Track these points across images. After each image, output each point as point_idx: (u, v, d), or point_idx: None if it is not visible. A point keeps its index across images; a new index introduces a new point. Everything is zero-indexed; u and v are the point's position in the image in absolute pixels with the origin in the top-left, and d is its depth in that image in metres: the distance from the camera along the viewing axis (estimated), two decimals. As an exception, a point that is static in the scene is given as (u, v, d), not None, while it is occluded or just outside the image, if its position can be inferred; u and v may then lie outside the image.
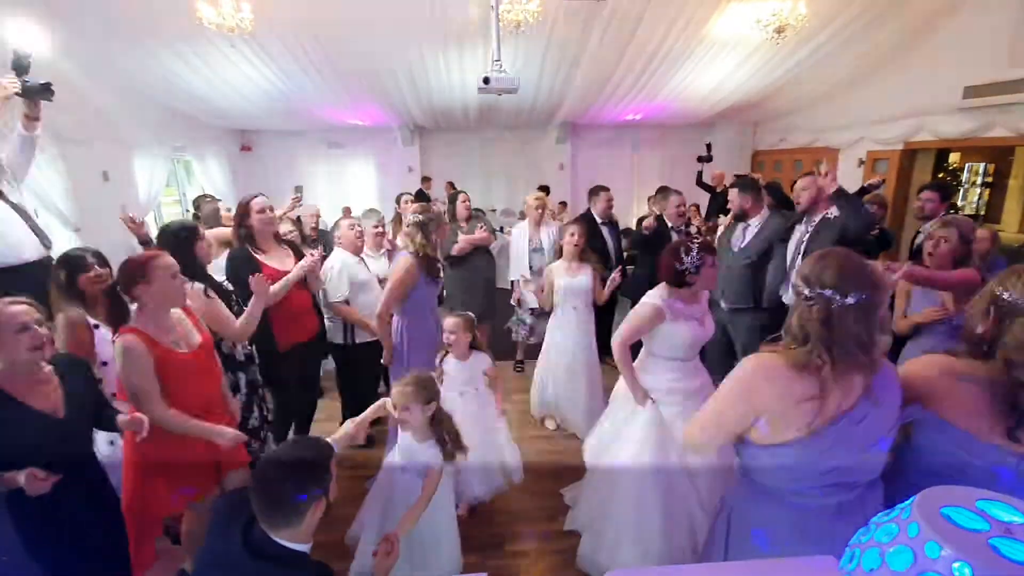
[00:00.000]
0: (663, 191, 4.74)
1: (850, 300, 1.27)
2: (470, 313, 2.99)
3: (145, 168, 6.93)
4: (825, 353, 1.30)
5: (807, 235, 3.51)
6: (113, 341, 2.14)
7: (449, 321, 2.87)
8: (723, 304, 3.80)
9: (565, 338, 3.77)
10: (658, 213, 4.45)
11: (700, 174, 8.13)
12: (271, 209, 3.10)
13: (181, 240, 2.64)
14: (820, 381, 1.30)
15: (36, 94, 2.88)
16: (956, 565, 0.50)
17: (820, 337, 1.30)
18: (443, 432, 2.17)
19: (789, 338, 1.38)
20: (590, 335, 3.82)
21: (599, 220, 4.42)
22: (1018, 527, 0.57)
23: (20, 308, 1.71)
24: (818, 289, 1.30)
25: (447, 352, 2.93)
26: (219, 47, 5.73)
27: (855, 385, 1.33)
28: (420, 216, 3.06)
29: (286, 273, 3.05)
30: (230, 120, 8.90)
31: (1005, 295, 1.34)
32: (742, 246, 3.77)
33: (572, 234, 3.67)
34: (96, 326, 2.35)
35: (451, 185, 9.65)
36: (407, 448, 2.21)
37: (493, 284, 4.91)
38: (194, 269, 2.59)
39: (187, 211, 8.54)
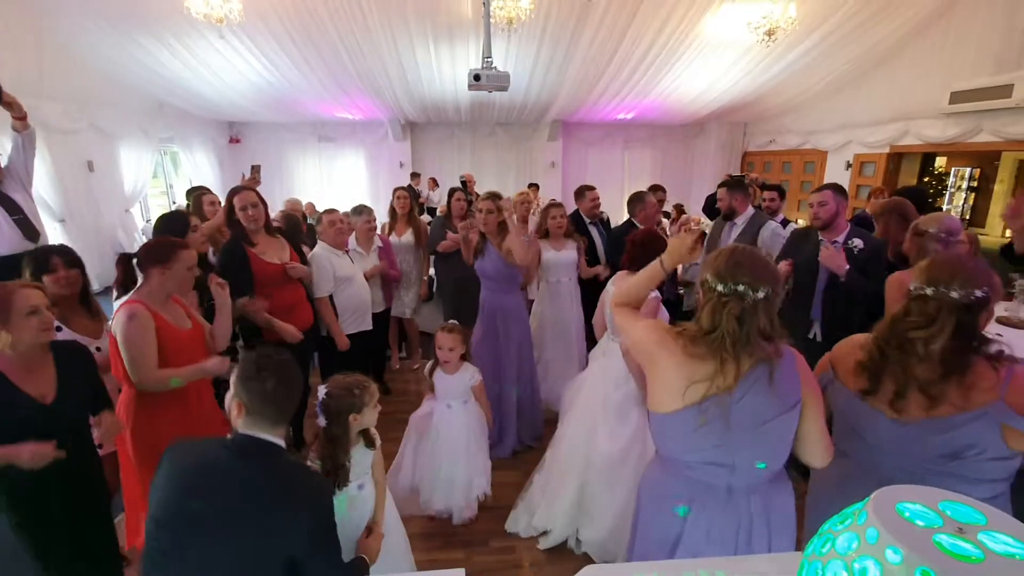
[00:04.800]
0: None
1: (760, 295, 1.34)
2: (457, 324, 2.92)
3: (131, 159, 6.85)
4: (730, 346, 1.36)
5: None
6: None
7: (445, 337, 2.77)
8: None
9: (554, 311, 3.84)
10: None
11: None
12: (253, 206, 3.00)
13: (174, 230, 2.69)
14: (716, 367, 1.38)
15: None
16: (918, 570, 0.52)
17: (731, 331, 1.35)
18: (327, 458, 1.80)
19: (697, 327, 1.44)
20: (577, 309, 3.86)
21: (587, 220, 4.42)
22: (970, 527, 0.58)
23: (31, 291, 1.80)
24: (732, 285, 1.36)
25: (436, 364, 2.85)
26: (208, 38, 5.67)
27: (742, 369, 1.39)
28: None
29: (278, 267, 3.03)
30: (219, 112, 8.81)
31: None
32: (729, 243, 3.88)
33: (554, 217, 3.79)
34: (59, 328, 2.28)
35: (433, 181, 9.68)
36: None
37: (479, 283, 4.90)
38: None
39: (174, 203, 8.46)
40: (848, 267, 2.73)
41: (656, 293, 2.47)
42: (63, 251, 2.37)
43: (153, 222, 6.91)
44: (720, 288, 1.37)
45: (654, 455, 1.68)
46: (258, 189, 3.20)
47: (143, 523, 2.09)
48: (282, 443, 1.43)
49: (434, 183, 9.77)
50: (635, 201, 4.01)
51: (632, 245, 2.59)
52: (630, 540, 1.75)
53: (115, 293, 2.41)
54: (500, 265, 3.29)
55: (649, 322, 1.60)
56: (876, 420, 1.46)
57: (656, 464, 1.62)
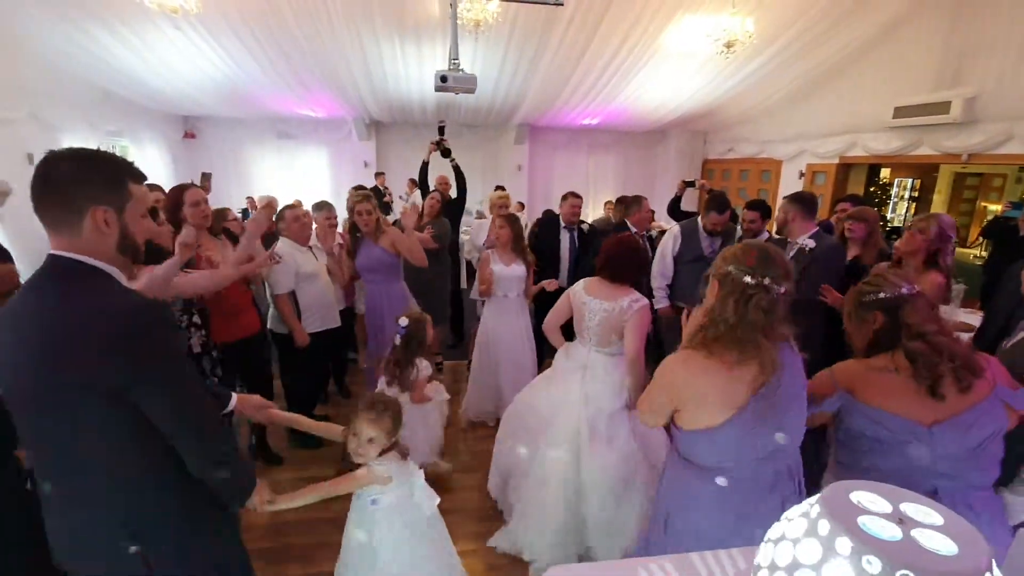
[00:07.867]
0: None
1: (782, 289, 1.42)
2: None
3: (76, 152, 6.50)
4: (759, 338, 1.41)
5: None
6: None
7: (363, 423, 1.83)
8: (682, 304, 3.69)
9: (497, 325, 3.80)
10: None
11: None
12: (206, 202, 2.85)
13: None
14: (758, 365, 1.41)
15: None
16: (866, 559, 0.54)
17: (758, 322, 1.41)
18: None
19: (717, 327, 1.45)
20: (524, 324, 3.85)
21: (562, 224, 4.46)
22: (908, 517, 0.62)
23: None
24: (761, 279, 1.41)
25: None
26: (161, 28, 5.45)
27: (773, 355, 1.45)
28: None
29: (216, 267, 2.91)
30: (172, 105, 8.47)
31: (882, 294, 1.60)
32: (711, 252, 3.82)
33: (500, 227, 3.77)
34: None
35: (413, 183, 9.54)
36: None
37: (447, 285, 4.86)
38: None
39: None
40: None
41: (644, 300, 2.45)
42: None
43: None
44: (748, 280, 1.42)
45: (671, 470, 1.63)
46: (212, 189, 3.08)
47: None
48: (67, 255, 1.17)
49: (413, 184, 9.63)
50: (631, 203, 4.29)
51: (610, 252, 2.51)
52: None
53: None
54: (382, 255, 3.63)
55: (663, 369, 1.56)
56: (915, 431, 1.49)
57: (690, 479, 1.55)
